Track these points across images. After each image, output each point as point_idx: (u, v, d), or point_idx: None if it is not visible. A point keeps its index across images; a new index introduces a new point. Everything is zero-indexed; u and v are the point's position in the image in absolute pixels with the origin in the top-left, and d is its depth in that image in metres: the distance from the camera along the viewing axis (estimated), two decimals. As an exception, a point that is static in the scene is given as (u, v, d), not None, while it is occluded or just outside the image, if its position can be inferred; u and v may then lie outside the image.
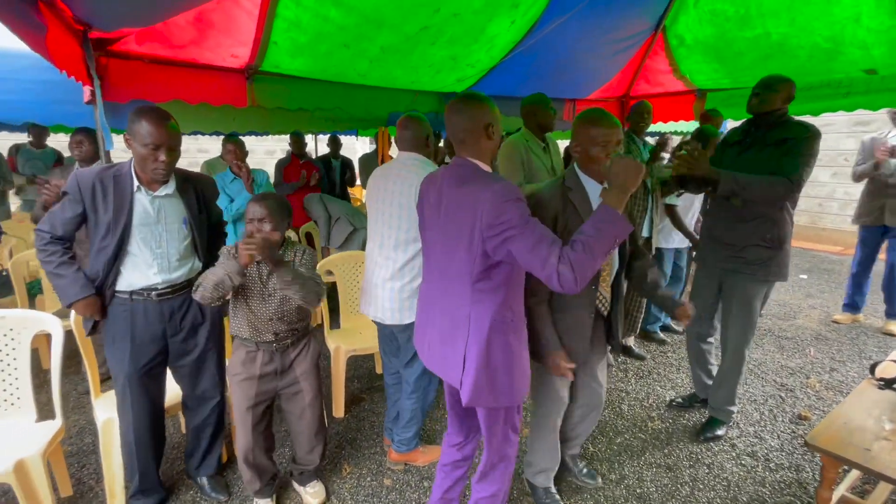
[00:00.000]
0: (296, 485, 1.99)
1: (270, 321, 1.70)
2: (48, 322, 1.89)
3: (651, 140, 4.90)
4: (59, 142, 5.00)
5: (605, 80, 3.96)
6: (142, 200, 1.67)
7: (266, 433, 1.83)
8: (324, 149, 5.39)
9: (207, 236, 1.87)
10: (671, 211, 3.04)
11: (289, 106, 2.94)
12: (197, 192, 1.82)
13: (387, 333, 2.07)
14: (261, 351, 1.73)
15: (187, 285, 1.78)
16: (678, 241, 3.23)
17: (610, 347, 1.83)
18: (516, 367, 1.40)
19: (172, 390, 1.98)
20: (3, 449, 1.67)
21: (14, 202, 4.84)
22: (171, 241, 1.74)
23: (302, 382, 1.80)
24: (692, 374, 2.59)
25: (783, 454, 2.26)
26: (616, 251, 1.68)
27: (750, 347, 2.24)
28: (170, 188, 1.72)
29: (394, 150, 5.37)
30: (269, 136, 8.37)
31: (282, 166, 4.31)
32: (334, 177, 4.81)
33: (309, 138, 5.31)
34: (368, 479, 2.11)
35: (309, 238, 4.23)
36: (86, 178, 1.62)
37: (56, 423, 1.85)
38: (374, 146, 5.28)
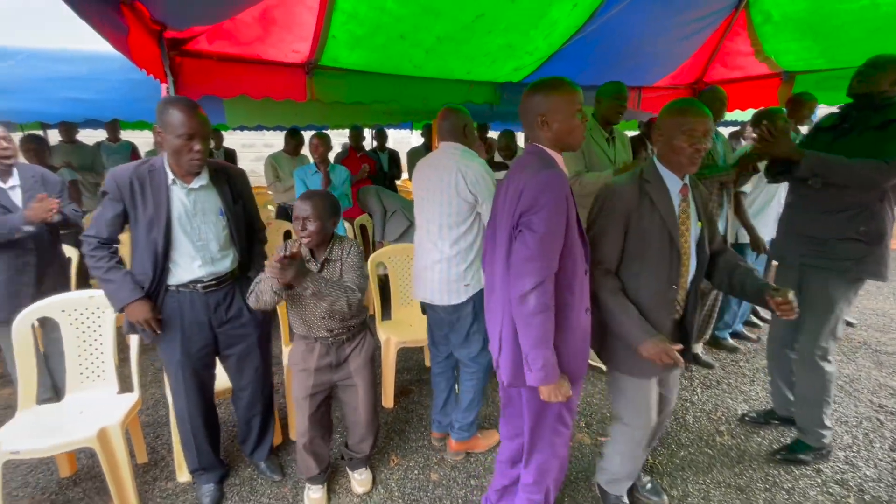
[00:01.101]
0: (347, 468, 2.03)
1: (323, 319, 1.71)
2: (128, 303, 2.06)
3: (725, 130, 4.50)
4: (143, 137, 5.47)
5: (675, 66, 3.66)
6: (178, 193, 1.66)
7: (324, 421, 1.87)
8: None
9: (245, 228, 1.88)
10: (736, 198, 2.76)
11: (346, 99, 2.99)
12: (230, 183, 1.80)
13: (437, 317, 2.08)
14: (318, 344, 1.75)
15: (230, 277, 1.80)
16: (765, 232, 2.94)
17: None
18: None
19: (224, 374, 2.06)
20: (89, 417, 1.85)
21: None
22: (210, 232, 1.73)
23: (355, 377, 1.81)
24: (771, 386, 2.34)
25: (881, 486, 1.98)
26: (694, 253, 1.55)
27: (832, 359, 1.99)
28: (203, 179, 1.70)
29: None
30: (330, 131, 8.67)
31: (339, 160, 4.41)
32: (381, 170, 4.85)
33: (366, 132, 5.40)
34: (415, 472, 2.10)
35: (363, 230, 4.32)
36: (122, 175, 1.61)
37: (134, 396, 2.01)
38: (422, 139, 5.26)
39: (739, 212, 2.80)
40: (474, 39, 2.74)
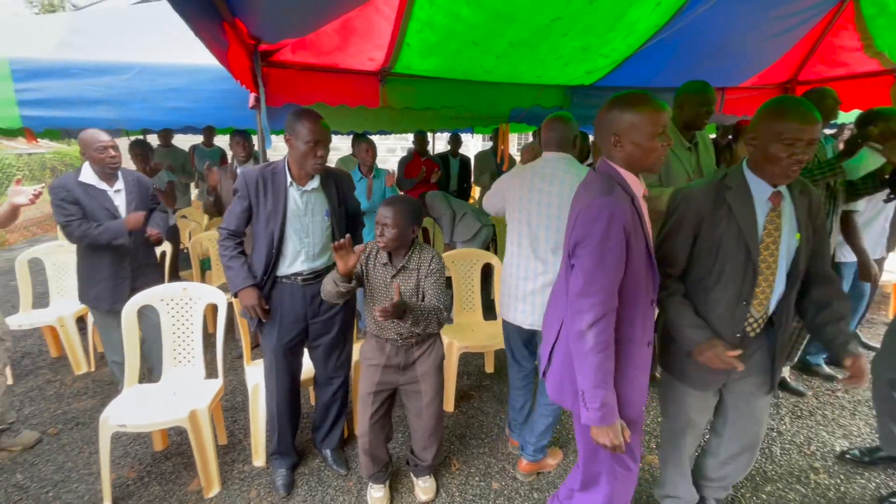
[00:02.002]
0: (411, 474, 2.04)
1: (393, 323, 1.73)
2: (217, 295, 2.23)
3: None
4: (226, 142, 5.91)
5: (766, 64, 3.38)
6: (293, 194, 1.85)
7: (383, 422, 1.89)
8: (441, 146, 5.54)
9: (345, 227, 2.03)
10: (847, 219, 2.46)
11: (416, 105, 3.06)
12: (337, 186, 1.97)
13: (526, 338, 1.99)
14: (388, 344, 1.79)
15: (326, 272, 1.94)
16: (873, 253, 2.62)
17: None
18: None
19: (305, 366, 2.17)
20: (181, 399, 2.01)
21: (194, 192, 5.90)
22: (316, 231, 1.91)
23: (422, 383, 1.82)
24: (879, 425, 2.07)
25: None
26: (784, 268, 1.40)
27: None
28: (315, 182, 1.88)
29: (511, 148, 5.28)
30: (392, 135, 8.91)
31: (404, 163, 4.52)
32: (451, 175, 4.91)
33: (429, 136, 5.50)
34: (476, 478, 2.09)
35: (424, 232, 4.39)
36: (251, 175, 1.83)
37: (218, 382, 2.17)
38: (488, 144, 5.26)
39: (850, 233, 2.47)
40: (547, 43, 2.69)
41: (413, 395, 1.85)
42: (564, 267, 1.34)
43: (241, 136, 3.23)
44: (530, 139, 6.32)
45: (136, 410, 1.93)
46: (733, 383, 1.53)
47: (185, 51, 2.72)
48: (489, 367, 3.05)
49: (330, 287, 1.67)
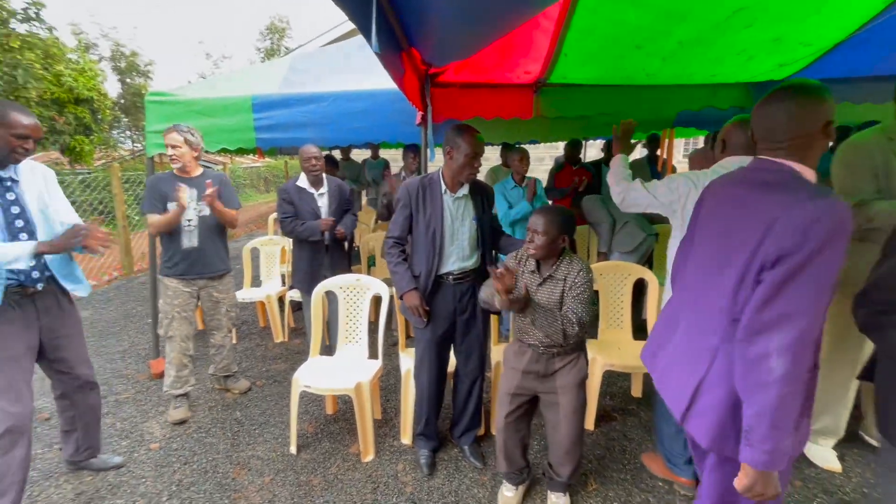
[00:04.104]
0: (546, 485, 2.02)
1: (531, 328, 1.76)
2: (382, 287, 2.56)
3: None
4: (389, 153, 6.75)
5: None
6: (447, 201, 2.05)
7: (519, 425, 1.91)
8: (594, 153, 5.34)
9: (490, 233, 2.18)
10: None
11: (570, 114, 3.04)
12: (482, 196, 2.15)
13: None
14: (530, 349, 1.82)
15: (473, 273, 2.11)
16: None
17: None
18: None
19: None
20: (350, 372, 2.37)
21: (364, 198, 6.85)
22: (465, 234, 2.08)
23: (560, 395, 1.79)
24: None
25: None
26: None
27: None
28: (465, 190, 2.06)
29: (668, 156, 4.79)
30: (540, 144, 8.90)
31: (554, 173, 4.50)
32: (605, 183, 4.71)
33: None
34: (615, 503, 1.98)
35: (571, 243, 4.28)
36: (412, 186, 2.06)
37: (378, 362, 2.49)
38: (645, 151, 4.87)
39: None
40: (725, 38, 2.40)
41: (551, 406, 1.84)
42: (727, 285, 1.16)
43: (414, 149, 3.65)
44: (699, 145, 5.64)
45: (317, 376, 2.35)
46: None
47: (367, 78, 3.22)
48: (636, 392, 2.84)
49: (491, 308, 1.78)
